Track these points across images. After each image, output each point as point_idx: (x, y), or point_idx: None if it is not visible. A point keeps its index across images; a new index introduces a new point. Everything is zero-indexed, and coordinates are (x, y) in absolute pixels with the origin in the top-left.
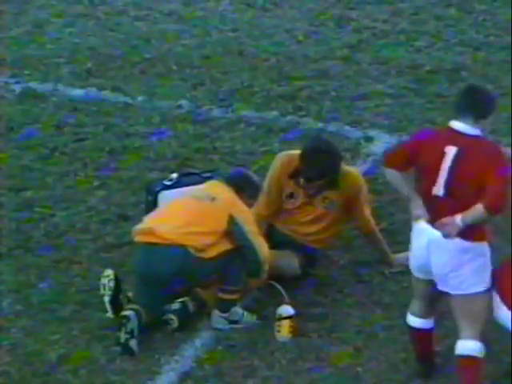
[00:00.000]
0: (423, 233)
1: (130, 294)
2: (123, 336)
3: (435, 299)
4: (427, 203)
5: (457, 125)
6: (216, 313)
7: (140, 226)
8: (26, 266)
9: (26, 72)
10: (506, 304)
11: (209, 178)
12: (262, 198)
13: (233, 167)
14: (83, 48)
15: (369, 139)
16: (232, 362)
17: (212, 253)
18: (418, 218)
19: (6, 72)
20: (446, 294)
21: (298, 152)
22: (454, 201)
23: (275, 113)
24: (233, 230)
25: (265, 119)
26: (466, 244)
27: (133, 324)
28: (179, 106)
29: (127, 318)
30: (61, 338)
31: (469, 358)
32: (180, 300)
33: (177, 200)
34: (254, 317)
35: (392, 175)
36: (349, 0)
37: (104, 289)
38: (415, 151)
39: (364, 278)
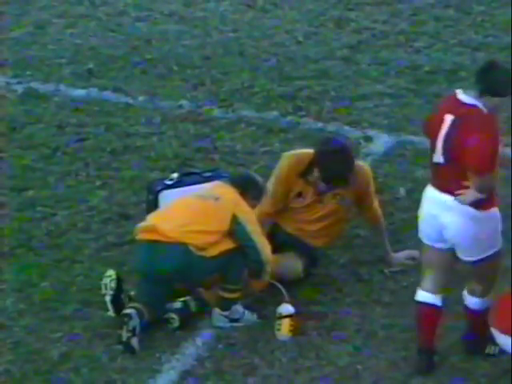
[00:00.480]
0: (431, 197)
1: (131, 293)
2: (125, 334)
3: (447, 270)
4: (432, 170)
5: (460, 94)
6: (217, 311)
7: (143, 224)
8: (28, 265)
9: (28, 72)
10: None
11: (209, 178)
12: (266, 197)
13: (233, 167)
14: (85, 49)
15: (368, 139)
16: (232, 361)
17: (214, 252)
18: None
19: (8, 72)
20: (460, 260)
21: (305, 151)
22: (454, 167)
23: (275, 113)
24: (236, 230)
25: (265, 119)
26: (478, 213)
27: (134, 322)
28: (180, 106)
29: (129, 316)
30: (62, 336)
31: (474, 312)
32: (181, 299)
33: (180, 199)
34: (255, 315)
35: None
36: (348, 1)
37: (105, 288)
38: (428, 120)
39: (364, 277)
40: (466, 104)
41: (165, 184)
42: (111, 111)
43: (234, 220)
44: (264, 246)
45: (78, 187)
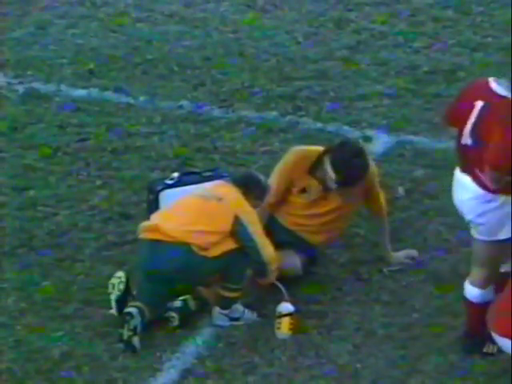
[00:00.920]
0: (456, 180)
1: (133, 292)
2: (126, 333)
3: (495, 262)
4: (458, 152)
5: (492, 83)
6: (217, 310)
7: (146, 223)
8: (29, 265)
9: (29, 73)
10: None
11: (210, 177)
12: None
13: (233, 167)
14: (86, 49)
15: (367, 139)
16: (232, 359)
17: (216, 252)
18: None
19: (10, 73)
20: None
21: (313, 148)
22: (480, 151)
23: (275, 113)
24: (238, 231)
25: (265, 119)
26: (487, 195)
27: (136, 321)
28: (180, 107)
29: (130, 314)
30: (64, 335)
31: (472, 304)
32: (181, 298)
33: (183, 198)
34: (255, 314)
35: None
36: (348, 2)
37: (113, 288)
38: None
39: (363, 276)
40: (497, 94)
41: (165, 184)
42: (112, 111)
43: (237, 221)
44: (265, 247)
45: (78, 187)
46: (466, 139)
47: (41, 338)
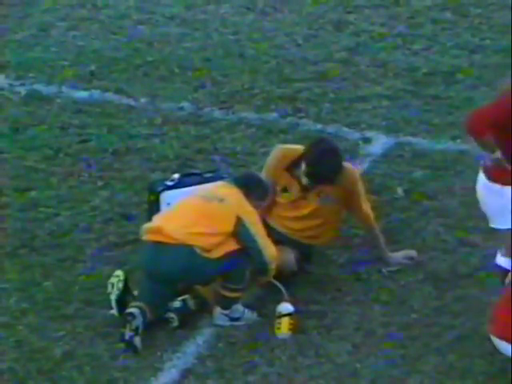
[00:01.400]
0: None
1: (134, 293)
2: (128, 333)
3: None
4: None
5: None
6: (218, 310)
7: (148, 225)
8: (31, 265)
9: (31, 74)
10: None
11: (210, 179)
12: None
13: (233, 168)
14: (87, 51)
15: (367, 140)
16: (233, 359)
17: (219, 253)
18: None
19: (12, 74)
20: None
21: (295, 147)
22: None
23: (275, 114)
24: (239, 232)
25: (265, 120)
26: (488, 183)
27: (138, 321)
28: (181, 108)
29: (132, 315)
30: (65, 335)
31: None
32: (181, 298)
33: (185, 200)
34: (255, 314)
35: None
36: (347, 4)
37: (112, 288)
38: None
39: (362, 276)
40: None
41: (166, 185)
42: (113, 113)
43: (238, 222)
44: (267, 247)
45: (80, 188)
46: None
47: (42, 337)
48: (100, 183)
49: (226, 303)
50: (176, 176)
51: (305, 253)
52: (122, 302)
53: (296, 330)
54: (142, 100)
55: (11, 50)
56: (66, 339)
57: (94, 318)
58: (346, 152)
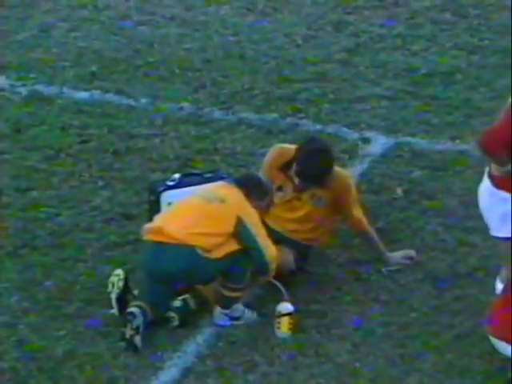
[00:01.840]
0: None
1: (135, 292)
2: (128, 332)
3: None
4: None
5: None
6: (218, 309)
7: (149, 225)
8: (32, 265)
9: (32, 75)
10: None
11: (210, 179)
12: None
13: (234, 168)
14: (88, 52)
15: (366, 140)
16: (233, 358)
17: (219, 253)
18: None
19: (13, 75)
20: None
21: (291, 146)
22: None
23: (275, 115)
24: (240, 232)
25: (265, 121)
26: (491, 188)
27: (138, 321)
28: (181, 108)
29: (133, 314)
30: (66, 334)
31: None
32: (181, 297)
33: (186, 200)
34: (255, 314)
35: None
36: (346, 5)
37: (112, 287)
38: None
39: (362, 275)
40: None
41: (166, 185)
42: (114, 113)
43: (239, 222)
44: (268, 248)
45: (81, 188)
46: None
47: (43, 337)
48: (101, 183)
49: (227, 303)
50: (176, 176)
51: (302, 253)
52: (123, 301)
53: (296, 329)
54: (143, 100)
55: (12, 50)
56: (66, 338)
57: (94, 318)
58: (345, 152)
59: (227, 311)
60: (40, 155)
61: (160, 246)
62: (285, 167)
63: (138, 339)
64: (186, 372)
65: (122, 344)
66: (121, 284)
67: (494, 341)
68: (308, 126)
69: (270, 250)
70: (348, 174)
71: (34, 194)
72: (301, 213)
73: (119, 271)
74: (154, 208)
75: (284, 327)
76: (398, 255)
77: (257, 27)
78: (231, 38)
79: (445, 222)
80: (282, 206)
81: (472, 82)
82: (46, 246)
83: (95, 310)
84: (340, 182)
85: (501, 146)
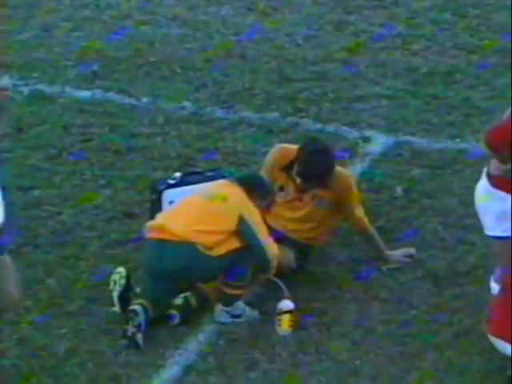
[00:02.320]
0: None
1: (136, 290)
2: (130, 330)
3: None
4: None
5: None
6: (219, 307)
7: (151, 223)
8: (34, 263)
9: (35, 74)
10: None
11: (211, 177)
12: None
13: (235, 167)
14: (90, 51)
15: (366, 139)
16: (234, 356)
17: (221, 251)
18: None
19: (15, 74)
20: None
21: (293, 147)
22: None
23: (275, 114)
24: (242, 230)
25: (265, 120)
26: (489, 187)
27: (140, 318)
28: (183, 108)
29: (135, 312)
30: (68, 332)
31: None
32: (182, 295)
33: (188, 198)
34: (256, 311)
35: None
36: (347, 5)
37: (114, 284)
38: None
39: (362, 274)
40: None
41: (168, 183)
42: (115, 112)
43: (241, 221)
44: (270, 246)
45: (82, 186)
46: None
47: (45, 334)
48: (102, 182)
49: (228, 300)
50: (178, 175)
51: (303, 252)
52: (124, 299)
53: (296, 327)
54: (144, 100)
55: (15, 50)
56: (68, 336)
57: (96, 315)
58: (345, 151)
59: (228, 309)
60: (42, 154)
61: (162, 244)
62: (286, 168)
63: (139, 337)
64: (188, 369)
65: (124, 342)
66: (123, 282)
67: (493, 339)
68: (308, 125)
69: (271, 247)
70: (349, 173)
71: (36, 192)
72: (302, 213)
73: (121, 269)
74: (156, 206)
75: (285, 325)
76: (397, 253)
77: (257, 27)
78: (232, 38)
79: (444, 221)
80: (282, 206)
81: (471, 82)
82: (48, 244)
83: (97, 307)
84: (341, 181)
85: (504, 143)
